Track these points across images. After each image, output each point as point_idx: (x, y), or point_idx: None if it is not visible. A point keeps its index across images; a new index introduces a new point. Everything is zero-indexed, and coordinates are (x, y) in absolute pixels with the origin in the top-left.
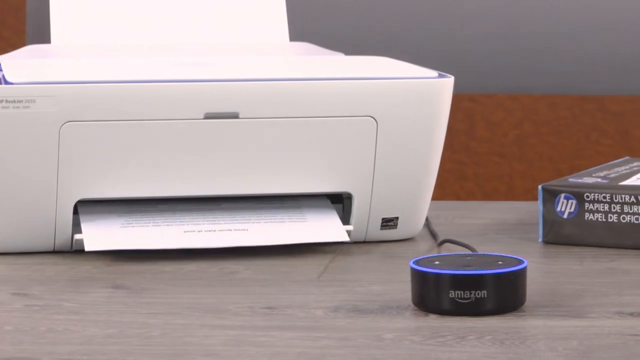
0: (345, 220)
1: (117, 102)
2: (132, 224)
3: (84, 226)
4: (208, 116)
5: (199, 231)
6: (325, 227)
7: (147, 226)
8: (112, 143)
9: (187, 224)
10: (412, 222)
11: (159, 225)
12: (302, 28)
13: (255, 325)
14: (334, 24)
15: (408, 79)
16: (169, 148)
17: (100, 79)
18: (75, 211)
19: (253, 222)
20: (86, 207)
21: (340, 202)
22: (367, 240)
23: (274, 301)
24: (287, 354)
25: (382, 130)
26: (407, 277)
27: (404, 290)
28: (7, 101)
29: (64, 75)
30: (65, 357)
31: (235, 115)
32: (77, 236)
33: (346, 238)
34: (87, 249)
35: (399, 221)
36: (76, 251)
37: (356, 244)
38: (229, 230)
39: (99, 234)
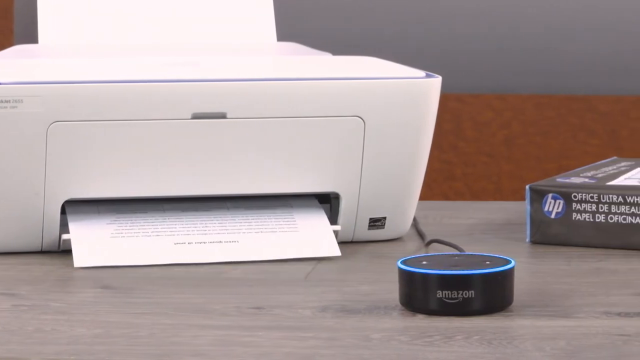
0: (333, 220)
1: (104, 102)
2: (121, 233)
3: (72, 230)
4: (196, 116)
5: (189, 243)
6: (316, 241)
7: (136, 236)
8: (100, 143)
9: (177, 234)
10: (400, 222)
11: (149, 236)
12: (289, 28)
13: (242, 325)
14: (322, 24)
15: (396, 79)
16: (156, 148)
17: (88, 79)
18: (63, 211)
19: (244, 233)
20: (74, 207)
21: (328, 202)
22: (354, 240)
23: (261, 301)
24: (275, 354)
25: (370, 130)
26: (395, 277)
27: (392, 290)
28: None
29: (52, 75)
30: (53, 357)
31: (222, 116)
32: (64, 236)
33: (338, 253)
34: (76, 265)
35: (387, 221)
36: (64, 251)
37: (344, 244)
38: (220, 242)
39: (88, 246)
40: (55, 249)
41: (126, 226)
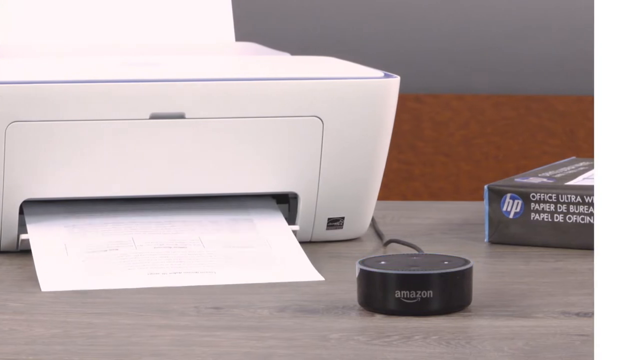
0: (291, 220)
1: (62, 102)
2: (93, 269)
3: (30, 231)
4: (154, 116)
5: (163, 273)
6: (297, 270)
7: (109, 272)
8: (58, 143)
9: (151, 266)
10: (358, 222)
11: (121, 270)
12: (248, 28)
13: (201, 325)
14: (280, 24)
15: (354, 79)
16: (114, 148)
17: (46, 79)
18: (21, 211)
19: (221, 266)
20: (32, 207)
21: (286, 202)
22: (313, 240)
23: (220, 301)
24: (233, 354)
25: (328, 130)
26: (353, 277)
27: (350, 290)
28: None
29: (10, 75)
30: (11, 357)
31: (181, 116)
32: (23, 236)
33: (320, 278)
34: (43, 289)
35: (345, 221)
36: (22, 251)
37: (302, 244)
38: (196, 272)
39: (56, 273)
40: (14, 249)
41: (98, 262)
